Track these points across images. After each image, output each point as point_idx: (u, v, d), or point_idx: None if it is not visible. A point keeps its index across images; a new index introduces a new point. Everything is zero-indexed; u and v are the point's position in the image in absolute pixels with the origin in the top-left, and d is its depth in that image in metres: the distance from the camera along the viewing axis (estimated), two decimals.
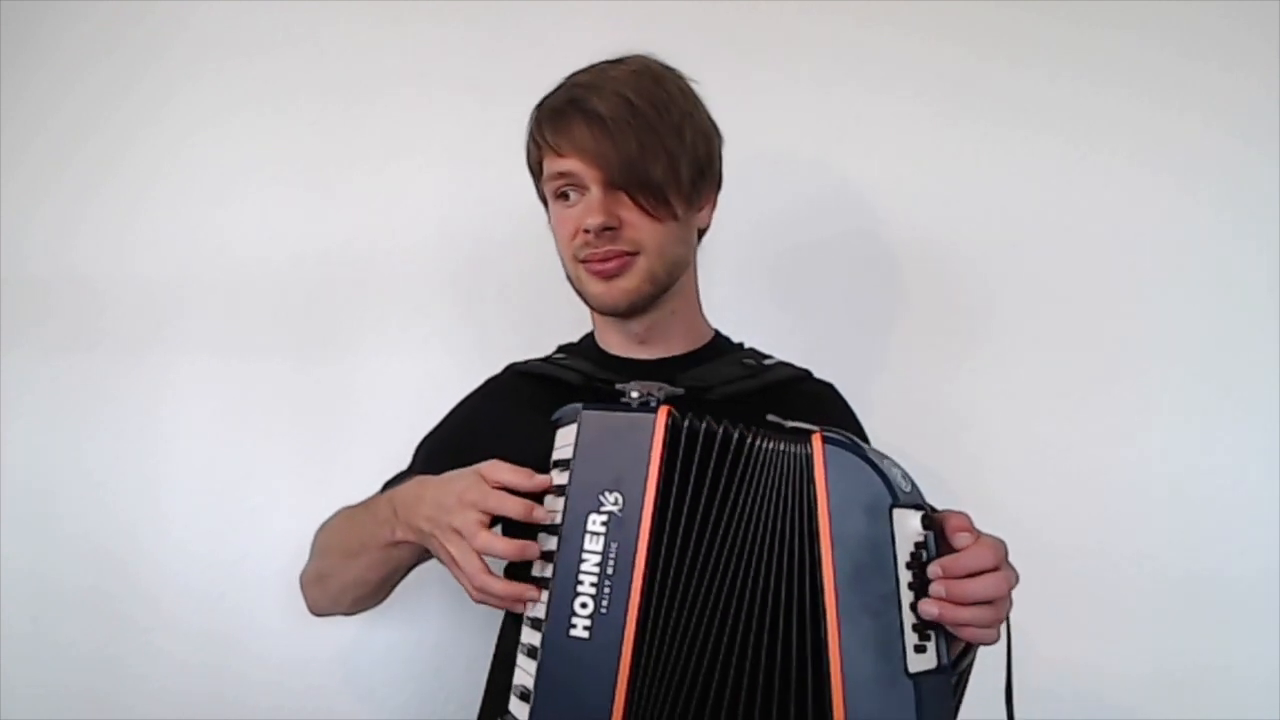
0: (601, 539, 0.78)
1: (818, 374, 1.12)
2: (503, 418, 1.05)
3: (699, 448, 0.81)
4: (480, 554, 0.81)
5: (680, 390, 0.95)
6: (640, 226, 0.97)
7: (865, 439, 1.09)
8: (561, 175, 0.98)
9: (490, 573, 0.82)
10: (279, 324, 1.46)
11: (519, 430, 0.89)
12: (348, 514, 1.04)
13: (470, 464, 0.86)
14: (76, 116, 1.49)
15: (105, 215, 1.48)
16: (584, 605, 0.77)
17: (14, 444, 1.45)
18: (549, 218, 1.06)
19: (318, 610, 1.08)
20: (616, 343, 1.08)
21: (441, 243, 1.47)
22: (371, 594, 1.03)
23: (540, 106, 1.02)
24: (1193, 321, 1.44)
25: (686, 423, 0.81)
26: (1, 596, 1.42)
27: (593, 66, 1.01)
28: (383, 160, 1.48)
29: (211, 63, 1.50)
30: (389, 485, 1.03)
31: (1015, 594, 0.79)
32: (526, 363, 1.10)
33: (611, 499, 0.79)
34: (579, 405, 0.84)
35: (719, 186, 1.07)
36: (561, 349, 1.14)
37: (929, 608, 0.75)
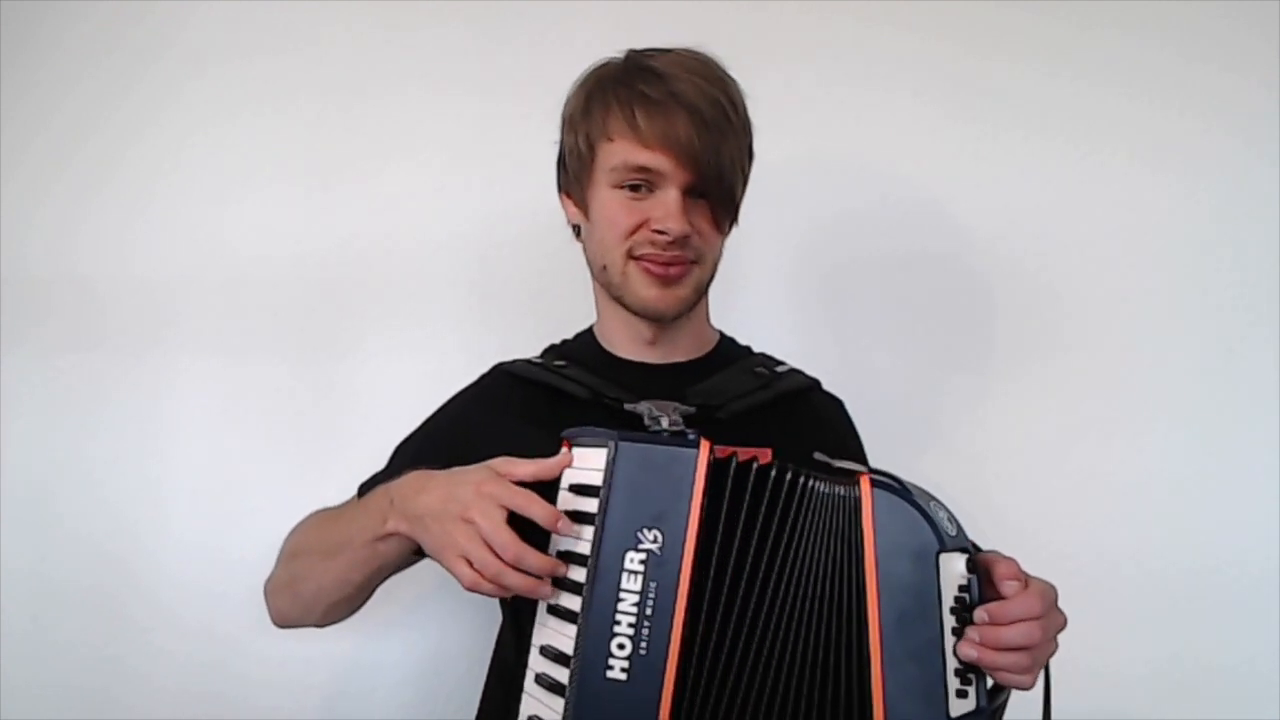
0: (640, 578, 0.76)
1: (814, 375, 1.10)
2: (501, 423, 0.97)
3: (741, 485, 0.79)
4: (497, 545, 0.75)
5: (692, 409, 0.91)
6: (707, 236, 0.95)
7: (864, 455, 1.08)
8: (642, 169, 0.91)
9: (528, 546, 0.75)
10: (279, 324, 1.46)
11: (520, 441, 0.84)
12: (326, 514, 0.99)
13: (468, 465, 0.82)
14: (76, 116, 1.49)
15: (105, 215, 1.48)
16: (621, 646, 0.75)
17: (14, 444, 1.45)
18: (583, 199, 0.97)
19: (284, 620, 1.00)
20: (622, 343, 1.03)
21: (441, 243, 1.47)
22: (348, 599, 0.95)
23: (621, 83, 0.92)
24: (1192, 322, 1.44)
25: (728, 459, 0.79)
26: (1, 596, 1.42)
27: (662, 52, 0.93)
28: (383, 160, 1.48)
29: (211, 63, 1.49)
30: (366, 487, 0.99)
31: None
32: (516, 363, 1.04)
33: (650, 536, 0.76)
34: (605, 431, 0.80)
35: None
36: (554, 350, 1.08)
37: (968, 650, 0.75)
